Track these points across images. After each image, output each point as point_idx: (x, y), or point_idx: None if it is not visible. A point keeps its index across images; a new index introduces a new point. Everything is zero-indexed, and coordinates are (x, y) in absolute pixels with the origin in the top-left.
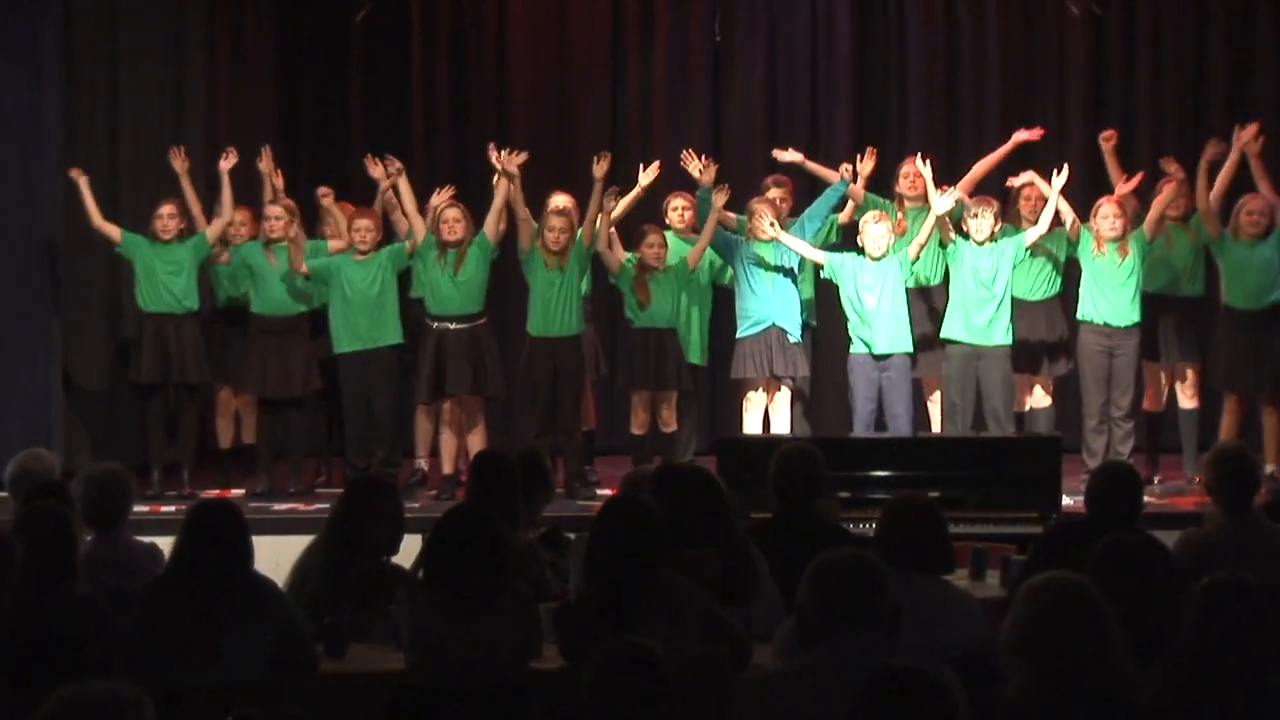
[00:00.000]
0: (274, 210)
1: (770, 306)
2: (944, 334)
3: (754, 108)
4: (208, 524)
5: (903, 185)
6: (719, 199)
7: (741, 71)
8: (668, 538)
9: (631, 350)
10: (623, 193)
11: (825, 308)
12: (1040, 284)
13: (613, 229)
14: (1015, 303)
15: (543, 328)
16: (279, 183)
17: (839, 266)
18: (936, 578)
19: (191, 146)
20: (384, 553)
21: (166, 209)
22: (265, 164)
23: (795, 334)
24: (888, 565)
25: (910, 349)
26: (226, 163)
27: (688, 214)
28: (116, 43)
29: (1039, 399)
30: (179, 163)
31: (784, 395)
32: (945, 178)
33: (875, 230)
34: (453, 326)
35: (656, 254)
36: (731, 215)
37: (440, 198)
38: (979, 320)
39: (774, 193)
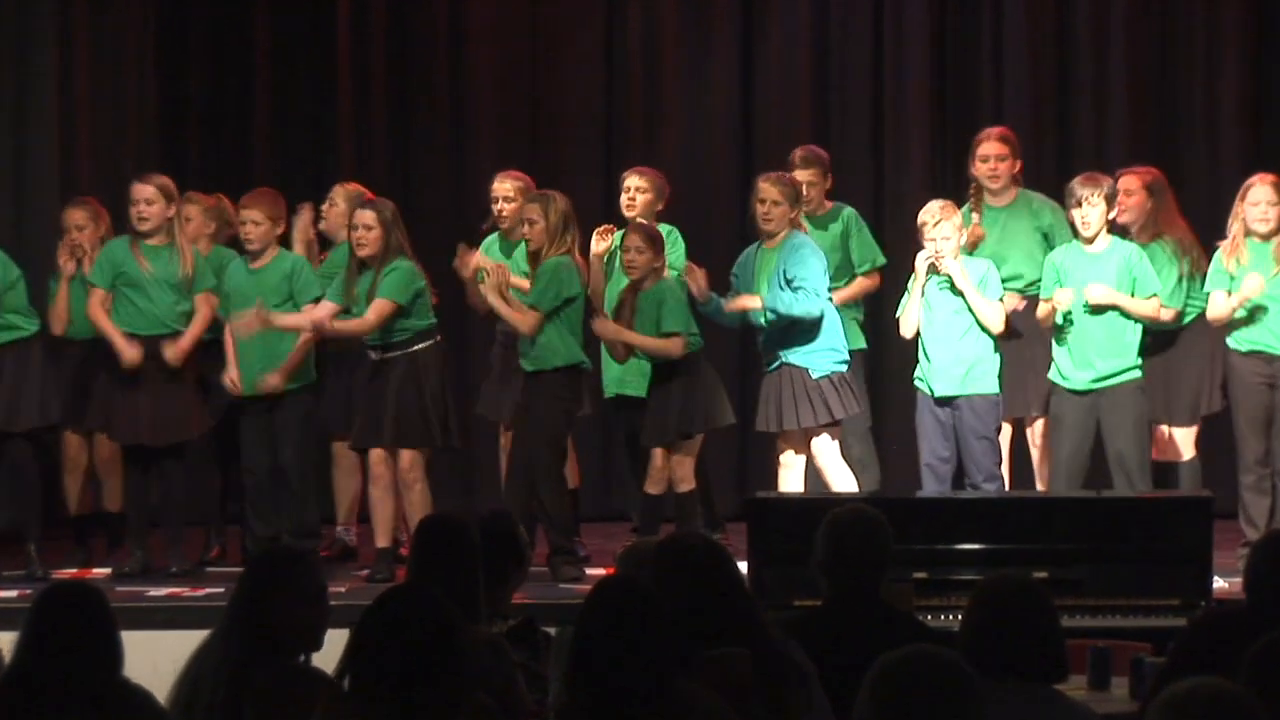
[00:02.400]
0: (144, 191)
1: (774, 340)
2: (1050, 374)
3: (797, 62)
4: (60, 614)
5: (981, 169)
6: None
7: (781, 12)
8: (682, 632)
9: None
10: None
11: (886, 322)
12: (1176, 299)
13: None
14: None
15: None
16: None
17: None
18: (1044, 687)
19: (41, 116)
20: (302, 649)
21: None
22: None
23: (818, 369)
24: (978, 670)
25: (993, 390)
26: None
27: (640, 198)
28: None
29: (1179, 449)
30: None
31: (826, 441)
32: (1053, 168)
33: (935, 231)
34: (375, 356)
35: (632, 260)
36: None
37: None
38: (1094, 349)
39: (800, 174)
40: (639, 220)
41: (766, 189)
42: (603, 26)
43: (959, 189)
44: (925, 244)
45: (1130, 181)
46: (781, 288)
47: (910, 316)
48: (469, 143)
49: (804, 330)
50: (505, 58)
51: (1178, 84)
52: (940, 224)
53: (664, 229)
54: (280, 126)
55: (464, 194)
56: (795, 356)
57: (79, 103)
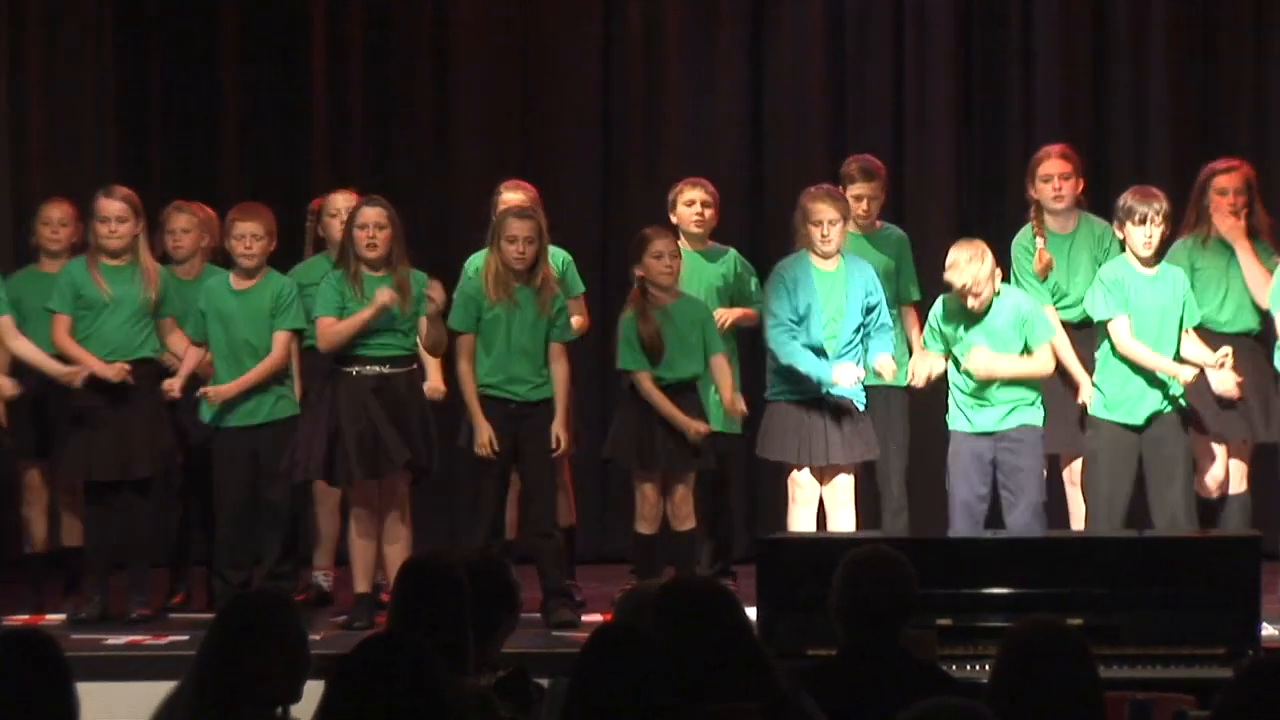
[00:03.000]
0: (113, 207)
1: (823, 363)
2: (1092, 408)
3: (810, 62)
4: (10, 664)
5: (1043, 190)
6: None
7: (793, 9)
8: (686, 684)
9: (629, 412)
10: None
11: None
12: (1234, 309)
13: None
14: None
15: (500, 379)
16: None
17: (944, 330)
18: None
19: None
20: (280, 701)
21: None
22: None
23: (861, 401)
24: None
25: (1037, 425)
26: None
27: (709, 212)
28: None
29: (1231, 481)
30: None
31: (846, 477)
32: (1088, 182)
33: (971, 272)
34: (386, 370)
35: (669, 267)
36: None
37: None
38: (1140, 379)
39: (859, 188)
40: (658, 227)
41: (824, 209)
42: (600, 21)
43: (984, 198)
44: (955, 284)
45: (1235, 180)
46: (864, 313)
47: (922, 369)
48: (455, 147)
49: (858, 360)
50: (494, 55)
51: (1221, 94)
52: (974, 262)
53: (731, 256)
54: (249, 130)
55: (450, 201)
56: (842, 389)
57: (32, 107)
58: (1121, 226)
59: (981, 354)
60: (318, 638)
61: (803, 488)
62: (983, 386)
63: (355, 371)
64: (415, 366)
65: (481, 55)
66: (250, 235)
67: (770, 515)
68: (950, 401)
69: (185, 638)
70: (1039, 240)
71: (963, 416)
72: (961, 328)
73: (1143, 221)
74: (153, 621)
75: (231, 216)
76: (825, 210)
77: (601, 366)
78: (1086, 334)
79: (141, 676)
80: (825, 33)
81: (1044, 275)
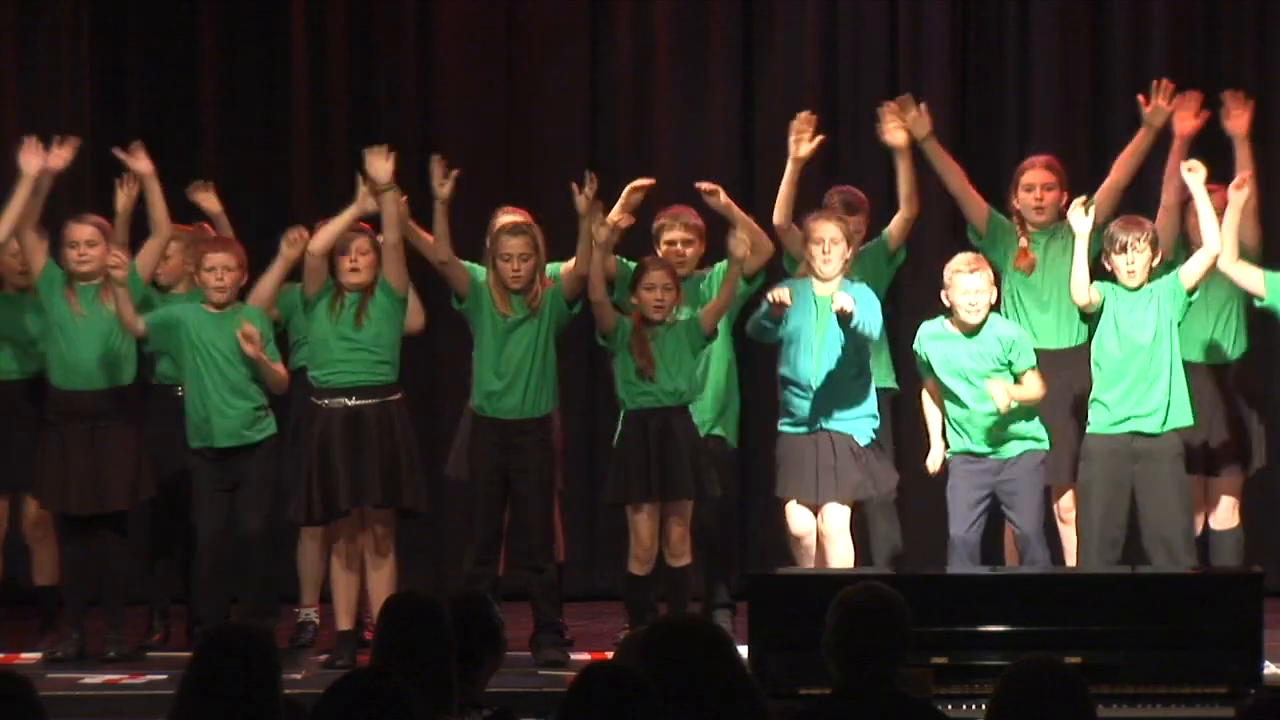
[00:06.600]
0: (83, 231)
1: (819, 401)
2: (1091, 427)
3: (802, 83)
4: None
5: (1025, 200)
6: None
7: (785, 27)
8: None
9: (624, 443)
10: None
11: (909, 373)
12: (1214, 339)
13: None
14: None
15: (493, 402)
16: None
17: (930, 353)
18: None
19: None
20: None
21: None
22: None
23: (863, 435)
24: None
25: (1042, 443)
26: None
27: (690, 250)
28: None
29: (1222, 516)
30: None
31: (842, 511)
32: (1082, 187)
33: (969, 283)
34: (351, 403)
35: (660, 300)
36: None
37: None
38: (1138, 403)
39: (850, 220)
40: (655, 257)
41: (823, 228)
42: (587, 46)
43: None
44: (957, 299)
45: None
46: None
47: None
48: None
49: (856, 391)
50: (478, 82)
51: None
52: (975, 274)
53: (714, 274)
54: (229, 148)
55: (431, 225)
56: (839, 423)
57: (5, 117)
58: (1108, 258)
59: (999, 386)
60: (299, 677)
61: (798, 519)
62: (992, 415)
63: (325, 403)
64: (394, 397)
65: (465, 86)
66: (222, 268)
67: (768, 549)
68: (945, 424)
69: (163, 676)
70: (1022, 240)
71: (965, 434)
72: (949, 348)
73: (1123, 250)
74: (130, 661)
75: (201, 249)
76: (825, 229)
77: (590, 400)
78: (1065, 357)
79: (119, 716)
80: (818, 53)
81: (1029, 271)
